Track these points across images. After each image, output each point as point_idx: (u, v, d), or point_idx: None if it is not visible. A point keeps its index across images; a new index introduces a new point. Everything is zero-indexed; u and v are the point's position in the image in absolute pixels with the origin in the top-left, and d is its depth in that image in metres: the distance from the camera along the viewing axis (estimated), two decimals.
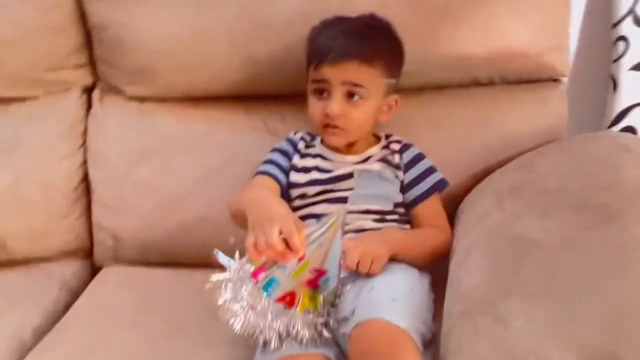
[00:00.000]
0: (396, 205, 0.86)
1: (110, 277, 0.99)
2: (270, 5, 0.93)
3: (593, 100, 1.15)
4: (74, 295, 0.96)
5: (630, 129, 1.09)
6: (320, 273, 0.67)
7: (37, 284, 0.97)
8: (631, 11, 1.03)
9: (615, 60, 1.06)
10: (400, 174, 0.87)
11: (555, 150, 0.89)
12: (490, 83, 1.00)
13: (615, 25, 1.05)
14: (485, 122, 0.98)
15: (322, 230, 0.66)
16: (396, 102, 0.88)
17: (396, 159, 0.88)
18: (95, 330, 0.83)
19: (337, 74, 0.80)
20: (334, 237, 0.66)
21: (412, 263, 0.79)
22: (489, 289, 0.62)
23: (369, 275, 0.72)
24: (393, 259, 0.76)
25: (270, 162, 0.89)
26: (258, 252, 0.64)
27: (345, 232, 0.70)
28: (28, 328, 0.87)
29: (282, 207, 0.70)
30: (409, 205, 0.87)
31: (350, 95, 0.82)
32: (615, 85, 1.07)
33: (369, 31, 0.84)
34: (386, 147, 0.90)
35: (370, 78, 0.81)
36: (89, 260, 1.06)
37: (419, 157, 0.89)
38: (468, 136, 0.97)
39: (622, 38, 1.04)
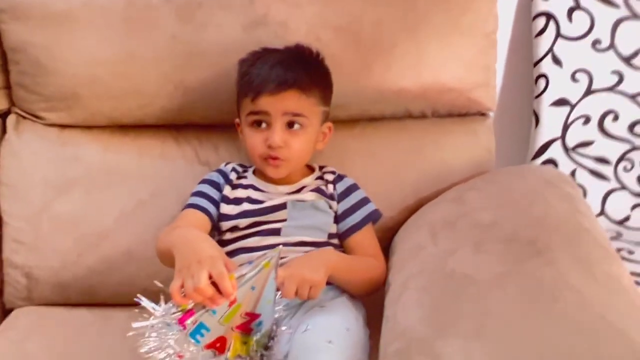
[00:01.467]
0: (330, 236, 0.85)
1: (22, 319, 0.90)
2: (204, 32, 0.91)
3: (517, 134, 1.21)
4: None
5: (551, 161, 1.14)
6: (252, 317, 0.64)
7: None
8: (550, 51, 1.10)
9: (537, 97, 1.12)
10: (334, 204, 0.86)
11: (483, 183, 0.92)
12: (422, 116, 1.02)
13: (536, 63, 1.11)
14: (418, 153, 0.99)
15: (254, 272, 0.63)
16: (330, 129, 0.89)
17: (330, 189, 0.87)
18: None
19: (277, 104, 0.79)
20: (267, 279, 0.63)
21: (346, 288, 0.79)
22: (425, 327, 0.62)
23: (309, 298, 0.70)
24: (329, 283, 0.75)
25: (199, 194, 0.86)
26: (186, 297, 0.61)
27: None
28: None
29: (211, 248, 0.67)
30: (342, 236, 0.86)
31: (290, 125, 0.81)
32: (537, 120, 1.13)
33: (303, 61, 0.84)
34: (320, 177, 0.89)
35: (309, 107, 0.81)
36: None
37: (352, 188, 0.89)
38: (401, 167, 0.98)
39: (543, 76, 1.11)
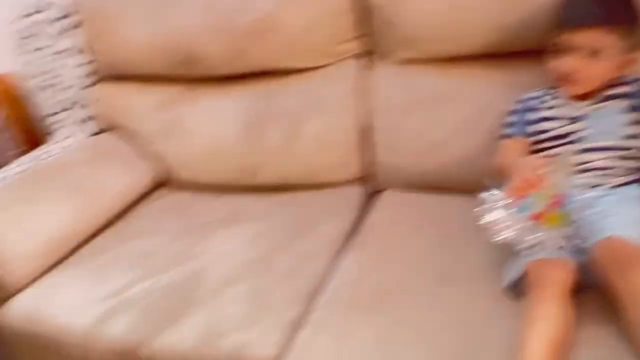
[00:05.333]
0: (629, 137, 1.00)
1: (390, 198, 1.34)
2: None
3: None
4: (366, 210, 1.33)
5: None
6: (559, 198, 0.90)
7: (338, 202, 1.37)
8: None
9: None
10: (628, 102, 1.00)
11: None
12: None
13: None
14: None
15: (555, 167, 0.90)
16: (632, 60, 1.00)
17: (626, 89, 1.01)
18: (389, 235, 1.19)
19: (577, 38, 0.97)
20: (565, 172, 0.90)
21: None
22: None
23: None
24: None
25: (513, 124, 1.12)
26: (517, 190, 0.90)
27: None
28: (342, 232, 1.26)
29: (526, 164, 0.94)
30: None
31: (588, 54, 0.98)
32: None
33: (608, 1, 0.97)
34: (620, 84, 1.03)
35: (607, 42, 0.96)
36: (368, 186, 1.42)
37: None
38: None
39: None
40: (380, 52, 1.36)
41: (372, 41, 1.37)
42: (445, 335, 0.91)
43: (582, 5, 0.98)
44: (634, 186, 0.99)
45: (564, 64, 1.00)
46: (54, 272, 1.30)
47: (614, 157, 1.01)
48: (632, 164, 1.01)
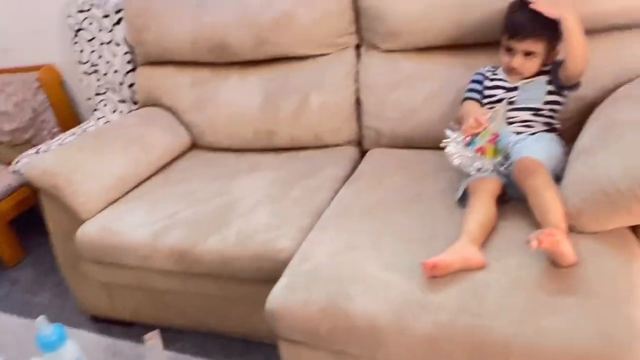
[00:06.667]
0: (545, 102, 1.43)
1: (376, 153, 1.76)
2: None
3: None
4: (356, 163, 1.74)
5: None
6: (495, 136, 1.32)
7: (337, 157, 1.78)
8: None
9: None
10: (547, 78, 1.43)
11: None
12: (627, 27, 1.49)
13: None
14: (619, 53, 1.49)
15: (495, 113, 1.34)
16: (556, 53, 1.43)
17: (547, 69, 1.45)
18: (375, 175, 1.60)
19: (520, 45, 1.40)
20: (501, 117, 1.34)
21: (575, 45, 1.32)
22: (590, 144, 1.22)
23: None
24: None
25: (472, 90, 1.54)
26: (468, 129, 1.32)
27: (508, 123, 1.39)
28: (340, 175, 1.67)
29: (477, 110, 1.38)
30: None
31: (526, 55, 1.40)
32: None
33: (540, 15, 1.35)
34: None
35: (539, 46, 1.39)
36: (361, 146, 1.84)
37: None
38: (606, 62, 1.49)
39: None
40: (370, 43, 1.79)
41: (363, 35, 1.79)
42: (414, 229, 1.31)
43: (522, 20, 1.39)
44: (546, 134, 1.42)
45: (510, 62, 1.43)
46: (118, 204, 1.69)
47: (534, 114, 1.44)
48: (545, 119, 1.44)
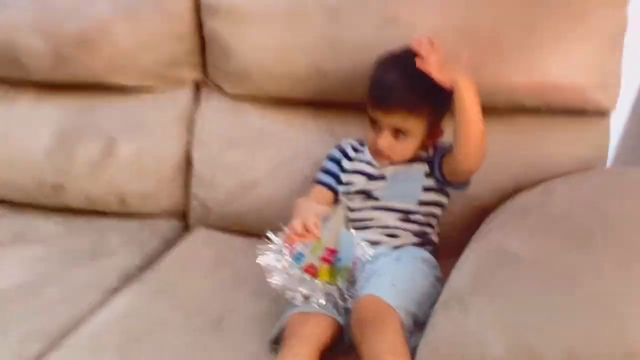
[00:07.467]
0: (421, 203, 1.00)
1: (198, 236, 1.25)
2: (345, 31, 1.12)
3: None
4: (169, 245, 1.23)
5: None
6: (331, 252, 0.85)
7: (144, 233, 1.26)
8: None
9: None
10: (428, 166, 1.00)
11: (579, 178, 0.98)
12: (536, 110, 1.10)
13: None
14: (525, 145, 1.09)
15: (331, 220, 0.87)
16: (440, 133, 1.01)
17: (429, 154, 1.01)
18: (179, 274, 1.10)
19: (386, 119, 0.96)
20: (339, 224, 0.87)
21: (465, 120, 0.89)
22: (466, 286, 0.77)
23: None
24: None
25: (326, 172, 1.08)
26: (288, 237, 0.85)
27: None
28: (132, 266, 1.15)
29: (308, 210, 0.90)
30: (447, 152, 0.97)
31: (396, 132, 0.97)
32: None
33: (419, 80, 0.90)
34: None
35: (415, 123, 0.95)
36: (186, 220, 1.33)
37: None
38: (507, 156, 1.09)
39: None
40: (212, 83, 1.30)
41: (206, 71, 1.31)
42: None
43: (390, 84, 0.96)
44: (415, 248, 0.97)
45: (375, 140, 0.98)
46: None
47: (402, 219, 0.99)
48: (418, 228, 1.00)
